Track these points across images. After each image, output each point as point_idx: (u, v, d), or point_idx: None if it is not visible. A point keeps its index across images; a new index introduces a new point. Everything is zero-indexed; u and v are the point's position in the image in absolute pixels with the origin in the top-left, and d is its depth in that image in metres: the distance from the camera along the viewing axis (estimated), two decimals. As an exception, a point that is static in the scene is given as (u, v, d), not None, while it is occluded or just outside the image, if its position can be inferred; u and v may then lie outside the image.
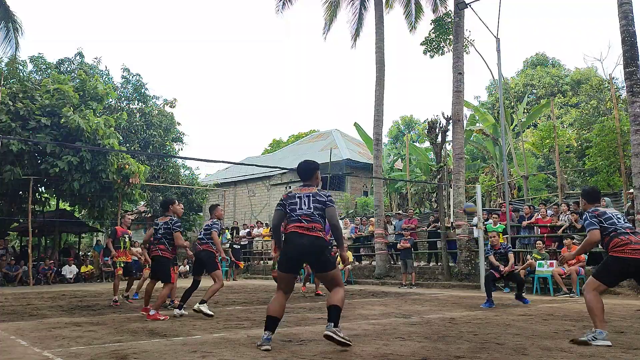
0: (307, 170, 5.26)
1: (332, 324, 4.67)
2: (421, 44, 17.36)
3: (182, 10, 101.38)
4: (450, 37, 16.71)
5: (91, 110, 17.56)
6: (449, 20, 16.86)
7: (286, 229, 4.95)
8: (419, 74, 67.86)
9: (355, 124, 26.09)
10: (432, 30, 17.03)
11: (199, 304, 7.36)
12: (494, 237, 9.56)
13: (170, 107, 25.95)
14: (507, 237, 12.50)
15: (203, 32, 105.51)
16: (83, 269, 18.96)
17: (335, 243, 5.46)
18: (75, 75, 21.14)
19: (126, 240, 10.01)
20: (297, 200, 5.01)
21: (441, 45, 17.02)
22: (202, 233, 7.97)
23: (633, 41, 11.00)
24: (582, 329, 5.81)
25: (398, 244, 14.52)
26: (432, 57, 17.26)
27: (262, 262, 21.45)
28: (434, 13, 19.32)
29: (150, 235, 8.03)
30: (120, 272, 9.82)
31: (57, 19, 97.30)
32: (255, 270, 20.89)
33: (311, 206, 4.95)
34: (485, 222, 13.30)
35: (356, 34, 20.86)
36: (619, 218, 5.27)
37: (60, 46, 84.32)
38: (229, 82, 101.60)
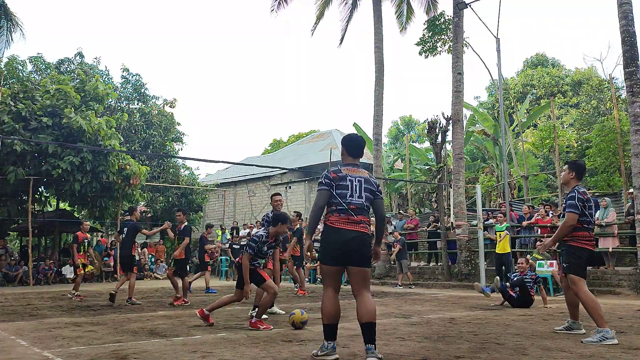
0: (359, 145, 4.49)
1: (373, 346, 4.03)
2: (416, 44, 17.37)
3: (182, 10, 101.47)
4: (444, 36, 16.69)
5: (92, 111, 17.56)
6: (442, 20, 16.83)
7: (329, 219, 4.25)
8: (418, 74, 68.12)
9: (355, 125, 26.09)
10: (425, 31, 17.00)
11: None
12: (522, 263, 9.05)
13: (170, 107, 25.96)
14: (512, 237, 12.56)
15: (203, 32, 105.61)
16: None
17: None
18: (75, 75, 21.15)
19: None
20: (349, 183, 4.26)
21: (436, 46, 16.98)
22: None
23: (633, 41, 11.00)
24: (583, 329, 5.81)
25: (392, 247, 14.55)
26: (426, 57, 17.23)
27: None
28: (426, 14, 19.35)
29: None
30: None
31: (57, 19, 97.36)
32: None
33: (362, 195, 4.25)
34: (485, 222, 13.31)
35: (344, 32, 21.08)
36: (593, 211, 5.45)
37: (60, 46, 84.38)
38: (228, 82, 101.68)
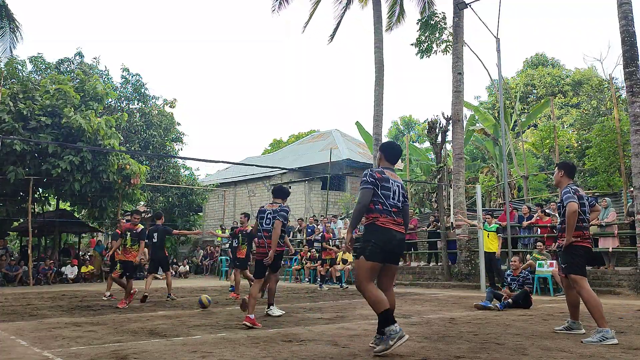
0: (397, 153, 4.80)
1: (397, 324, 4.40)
2: (411, 45, 17.37)
3: (182, 10, 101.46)
4: (437, 35, 16.67)
5: (92, 111, 17.56)
6: (435, 19, 16.81)
7: (375, 219, 4.46)
8: (418, 74, 68.19)
9: (357, 123, 26.09)
10: (420, 31, 16.97)
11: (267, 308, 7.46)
12: (515, 262, 9.15)
13: (170, 107, 25.98)
14: (504, 237, 12.51)
15: (203, 32, 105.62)
16: (83, 269, 18.97)
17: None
18: (74, 75, 21.16)
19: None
20: (391, 186, 4.55)
21: (431, 47, 16.94)
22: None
23: (633, 41, 11.00)
24: (583, 329, 5.81)
25: None
26: (421, 57, 17.21)
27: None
28: (421, 15, 19.35)
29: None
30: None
31: (57, 19, 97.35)
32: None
33: (400, 199, 4.59)
34: (485, 223, 13.30)
35: (336, 28, 21.20)
36: (587, 209, 5.53)
37: (60, 46, 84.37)
38: (228, 82, 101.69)
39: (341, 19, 20.97)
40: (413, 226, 15.78)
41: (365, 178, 4.53)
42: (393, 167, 4.76)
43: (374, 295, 4.39)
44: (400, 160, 24.83)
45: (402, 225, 4.55)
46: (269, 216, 6.77)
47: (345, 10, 20.86)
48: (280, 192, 7.20)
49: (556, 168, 5.95)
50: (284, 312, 7.45)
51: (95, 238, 27.30)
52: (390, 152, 4.76)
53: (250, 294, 6.52)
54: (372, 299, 4.40)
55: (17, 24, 21.92)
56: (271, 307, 7.37)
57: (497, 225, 12.26)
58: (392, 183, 4.56)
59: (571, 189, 5.45)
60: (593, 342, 4.93)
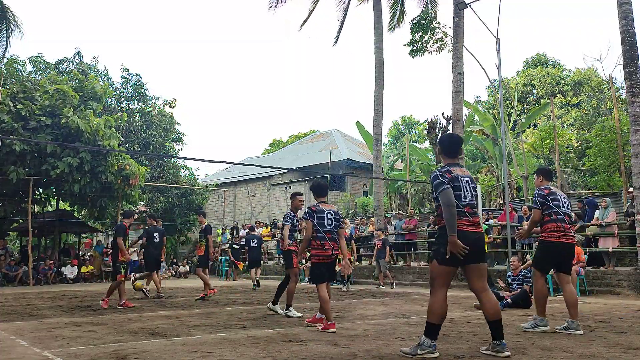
0: (457, 143, 4.57)
1: (504, 340, 4.27)
2: (404, 45, 17.36)
3: (182, 10, 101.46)
4: (430, 35, 16.67)
5: (91, 111, 17.54)
6: (428, 19, 16.80)
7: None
8: (418, 74, 68.12)
9: (357, 123, 26.10)
10: (411, 31, 16.96)
11: (271, 303, 7.58)
12: (514, 262, 9.21)
13: (170, 107, 25.98)
14: (504, 238, 12.52)
15: (203, 32, 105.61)
16: (83, 269, 18.97)
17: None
18: (72, 75, 21.16)
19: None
20: (460, 184, 4.31)
21: (424, 47, 16.92)
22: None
23: (633, 41, 10.99)
24: (582, 329, 5.82)
25: (375, 247, 14.63)
26: (413, 57, 17.21)
27: (261, 262, 21.41)
28: (423, 14, 19.37)
29: None
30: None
31: (56, 18, 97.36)
32: (259, 269, 20.83)
33: (473, 195, 4.37)
34: (485, 222, 13.31)
35: (340, 30, 21.22)
36: (564, 202, 5.69)
37: (60, 46, 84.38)
38: (228, 82, 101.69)
39: (344, 21, 20.98)
40: (413, 226, 15.77)
41: (438, 180, 4.29)
42: (457, 161, 4.52)
43: (436, 304, 4.25)
44: (400, 160, 24.79)
45: (478, 225, 4.32)
46: (330, 217, 6.12)
47: (346, 11, 20.86)
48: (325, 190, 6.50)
49: (534, 174, 6.31)
50: (301, 314, 7.32)
51: (91, 239, 27.33)
52: (448, 145, 4.52)
53: (321, 299, 6.04)
54: (432, 306, 4.27)
55: (17, 22, 21.93)
56: (290, 308, 7.31)
57: (486, 227, 12.27)
58: (461, 180, 4.32)
59: (539, 191, 5.80)
60: (527, 328, 5.72)
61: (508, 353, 4.25)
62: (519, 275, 8.94)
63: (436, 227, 4.51)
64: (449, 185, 4.24)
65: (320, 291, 6.01)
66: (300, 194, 7.98)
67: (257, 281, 14.10)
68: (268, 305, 7.67)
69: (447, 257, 4.20)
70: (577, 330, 5.60)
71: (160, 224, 11.20)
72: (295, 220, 7.78)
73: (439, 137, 4.73)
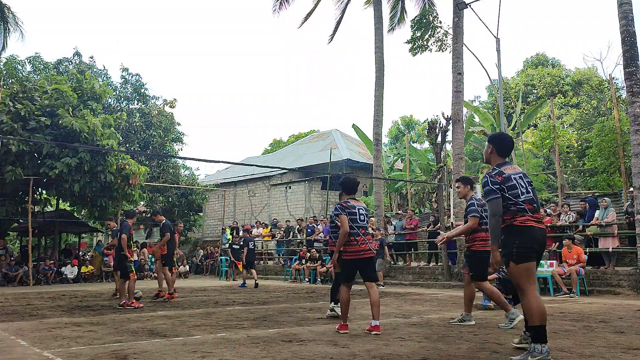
0: (510, 144, 4.55)
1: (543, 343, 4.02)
2: (406, 42, 17.36)
3: (182, 10, 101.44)
4: (430, 33, 16.67)
5: (89, 111, 17.46)
6: (429, 17, 16.80)
7: (517, 219, 4.15)
8: (418, 74, 68.15)
9: (354, 126, 26.09)
10: (412, 29, 16.95)
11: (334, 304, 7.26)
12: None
13: (170, 107, 25.98)
14: None
15: (202, 32, 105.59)
16: (83, 269, 18.97)
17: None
18: (70, 75, 21.16)
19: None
20: (515, 182, 4.24)
21: (426, 45, 16.91)
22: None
23: (633, 41, 10.99)
24: (582, 329, 5.82)
25: (392, 247, 14.57)
26: (414, 55, 17.19)
27: (261, 262, 21.44)
28: (421, 14, 19.36)
29: None
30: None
31: (56, 18, 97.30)
32: (255, 270, 20.81)
33: (529, 190, 4.27)
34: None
35: (336, 29, 21.21)
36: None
37: (60, 46, 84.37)
38: (228, 82, 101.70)
39: (341, 19, 20.99)
40: (414, 226, 15.77)
41: (488, 187, 4.23)
42: (508, 161, 4.49)
43: (533, 304, 4.04)
44: (400, 160, 24.73)
45: (541, 222, 4.25)
46: (362, 212, 5.98)
47: (344, 11, 20.87)
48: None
49: (459, 182, 6.67)
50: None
51: (85, 240, 27.33)
52: (503, 144, 4.49)
53: (341, 299, 6.09)
54: (529, 307, 4.07)
55: (17, 23, 21.93)
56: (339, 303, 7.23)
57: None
58: (514, 179, 4.25)
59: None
60: (455, 323, 6.25)
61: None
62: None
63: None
64: (499, 195, 4.19)
65: (342, 291, 5.99)
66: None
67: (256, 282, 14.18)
68: (330, 305, 7.39)
69: (516, 254, 4.08)
70: (470, 321, 6.32)
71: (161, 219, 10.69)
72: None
73: (490, 136, 4.41)
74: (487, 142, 4.63)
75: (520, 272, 4.11)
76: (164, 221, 10.46)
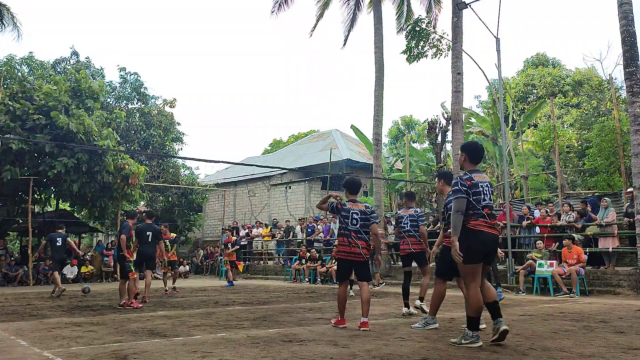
0: (481, 153, 5.07)
1: (502, 318, 4.83)
2: (401, 53, 17.34)
3: (181, 10, 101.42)
4: (424, 41, 16.70)
5: (83, 111, 17.37)
6: (422, 26, 16.82)
7: (470, 222, 4.72)
8: (418, 74, 67.93)
9: (352, 127, 26.08)
10: (409, 39, 16.93)
11: (420, 301, 7.36)
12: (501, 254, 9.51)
13: (170, 107, 25.97)
14: (504, 237, 12.52)
15: (202, 32, 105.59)
16: (83, 269, 18.96)
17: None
18: (68, 75, 21.13)
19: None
20: (481, 189, 4.78)
21: (423, 53, 16.91)
22: (408, 224, 7.63)
23: (633, 41, 10.99)
24: (582, 329, 5.82)
25: (391, 247, 14.57)
26: (410, 63, 17.23)
27: (262, 262, 21.45)
28: (427, 14, 19.37)
29: None
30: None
31: (55, 18, 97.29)
32: (255, 271, 20.86)
33: (492, 198, 4.83)
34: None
35: (347, 34, 21.17)
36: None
37: (59, 46, 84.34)
38: (229, 81, 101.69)
39: (352, 24, 21.00)
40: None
41: (457, 187, 4.76)
42: (478, 168, 4.98)
43: (474, 298, 4.75)
44: (400, 160, 24.76)
45: (494, 227, 4.77)
46: (355, 216, 6.13)
47: (354, 14, 20.87)
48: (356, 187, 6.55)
49: (436, 179, 6.86)
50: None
51: (78, 240, 27.29)
52: (473, 153, 4.97)
53: (338, 296, 6.36)
54: (471, 301, 4.78)
55: (15, 23, 21.89)
56: (424, 300, 7.18)
57: None
58: (481, 186, 4.78)
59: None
60: (418, 327, 5.99)
61: (506, 327, 4.76)
62: None
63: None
64: (465, 196, 4.71)
65: (339, 289, 6.30)
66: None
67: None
68: (416, 303, 7.42)
69: (463, 256, 4.67)
70: (434, 324, 6.18)
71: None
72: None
73: (462, 145, 4.69)
74: (459, 151, 5.12)
75: (467, 272, 4.78)
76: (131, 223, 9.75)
